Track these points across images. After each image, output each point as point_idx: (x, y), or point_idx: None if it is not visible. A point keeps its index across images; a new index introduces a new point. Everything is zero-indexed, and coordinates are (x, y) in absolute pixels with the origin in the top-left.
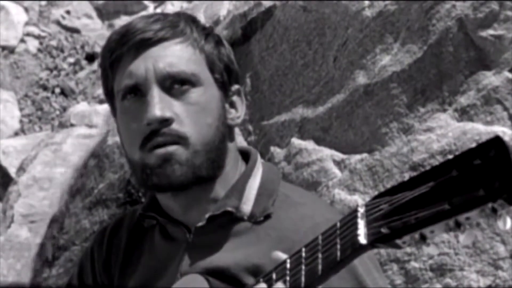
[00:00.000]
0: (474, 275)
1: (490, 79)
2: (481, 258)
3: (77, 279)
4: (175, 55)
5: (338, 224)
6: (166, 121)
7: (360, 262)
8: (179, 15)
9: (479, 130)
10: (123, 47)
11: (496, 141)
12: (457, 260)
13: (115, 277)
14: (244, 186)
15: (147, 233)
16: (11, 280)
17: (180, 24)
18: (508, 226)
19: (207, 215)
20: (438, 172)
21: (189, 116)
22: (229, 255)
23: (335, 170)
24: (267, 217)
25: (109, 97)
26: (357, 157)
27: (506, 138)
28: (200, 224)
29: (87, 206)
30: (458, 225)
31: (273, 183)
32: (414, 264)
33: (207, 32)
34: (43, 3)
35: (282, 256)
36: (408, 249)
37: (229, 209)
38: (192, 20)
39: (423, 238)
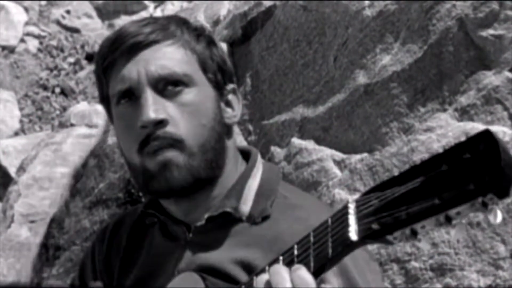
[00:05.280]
0: (474, 275)
1: (490, 78)
2: (481, 258)
3: (78, 278)
4: (166, 57)
5: (329, 221)
6: (160, 123)
7: (354, 264)
8: (170, 18)
9: (480, 129)
10: (115, 52)
11: (486, 135)
12: (457, 260)
13: (115, 275)
14: (243, 186)
15: (148, 230)
16: (11, 280)
17: (170, 27)
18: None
19: (206, 215)
20: (428, 166)
21: (183, 117)
22: (225, 254)
23: (335, 170)
24: (265, 218)
25: (105, 103)
26: (357, 157)
27: (506, 138)
28: (199, 223)
29: (87, 206)
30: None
31: (272, 183)
32: (414, 264)
33: (198, 33)
34: (43, 3)
35: None
36: (409, 249)
37: (228, 210)
38: (183, 22)
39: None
